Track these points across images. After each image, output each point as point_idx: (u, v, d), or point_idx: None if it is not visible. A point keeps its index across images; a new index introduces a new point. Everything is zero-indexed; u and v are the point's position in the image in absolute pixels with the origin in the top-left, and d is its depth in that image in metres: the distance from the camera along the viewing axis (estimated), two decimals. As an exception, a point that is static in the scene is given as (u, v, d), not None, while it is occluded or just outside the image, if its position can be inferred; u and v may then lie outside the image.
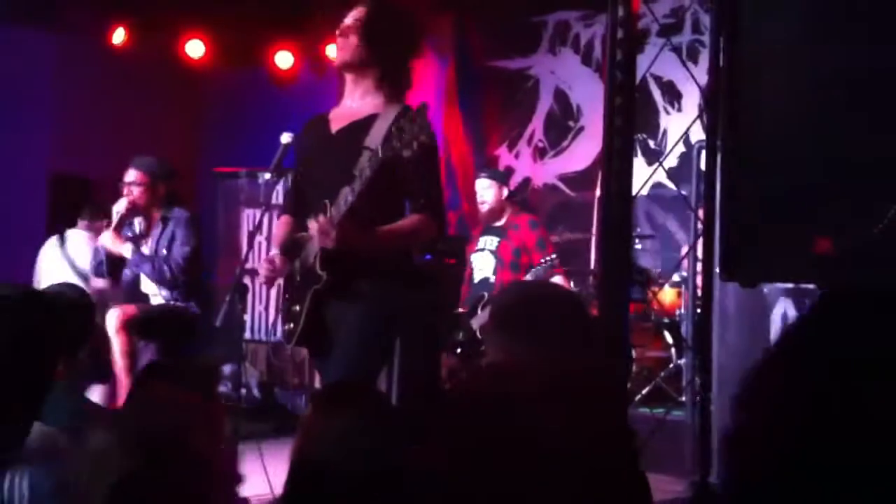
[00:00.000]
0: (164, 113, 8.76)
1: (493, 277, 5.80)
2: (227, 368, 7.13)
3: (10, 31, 7.57)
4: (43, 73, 8.00)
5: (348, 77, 3.43)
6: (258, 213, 7.11)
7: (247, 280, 5.50)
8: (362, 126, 3.27)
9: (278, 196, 7.25)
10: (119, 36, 8.06)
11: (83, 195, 8.10)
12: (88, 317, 3.43)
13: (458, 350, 6.55)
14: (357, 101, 3.40)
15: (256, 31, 8.19)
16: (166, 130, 8.77)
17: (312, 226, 3.21)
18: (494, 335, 2.25)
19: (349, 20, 3.39)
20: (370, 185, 3.09)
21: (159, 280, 5.21)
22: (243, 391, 5.96)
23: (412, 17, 3.58)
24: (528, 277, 5.50)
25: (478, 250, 5.91)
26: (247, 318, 5.96)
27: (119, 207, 5.25)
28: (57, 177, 8.19)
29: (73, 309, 3.20)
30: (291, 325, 3.36)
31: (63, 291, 3.41)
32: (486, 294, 5.68)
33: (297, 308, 3.33)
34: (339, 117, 3.43)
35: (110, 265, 5.29)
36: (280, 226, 3.58)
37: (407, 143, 3.00)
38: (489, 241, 5.87)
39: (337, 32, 3.40)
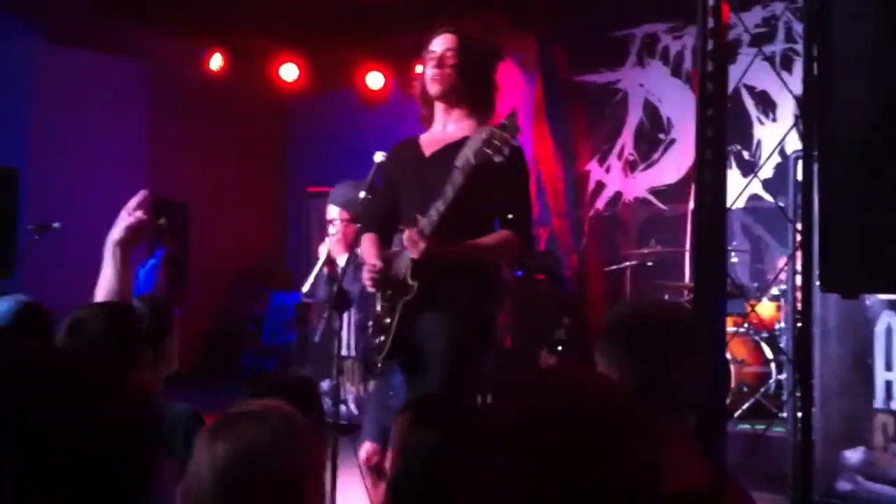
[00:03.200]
0: (258, 135, 8.97)
1: None
2: (325, 385, 7.23)
3: (108, 61, 7.86)
4: (140, 99, 8.28)
5: (440, 105, 3.52)
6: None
7: (341, 297, 5.55)
8: (453, 148, 3.34)
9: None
10: (216, 62, 8.31)
11: (181, 218, 8.34)
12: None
13: (559, 349, 6.55)
14: (449, 126, 3.50)
15: (348, 53, 8.35)
16: (259, 152, 8.98)
17: (403, 237, 3.28)
18: (599, 347, 2.25)
19: (441, 50, 3.48)
20: (459, 196, 3.16)
21: None
22: (342, 408, 6.04)
23: (495, 42, 3.70)
24: None
25: None
26: (343, 334, 6.02)
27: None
28: (155, 200, 8.42)
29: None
30: (382, 338, 3.42)
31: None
32: None
33: (388, 321, 3.39)
34: (431, 142, 3.53)
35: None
36: (368, 241, 3.63)
37: (497, 148, 3.07)
38: None
39: (430, 64, 3.48)
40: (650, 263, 6.84)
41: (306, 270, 7.92)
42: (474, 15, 7.80)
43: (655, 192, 7.59)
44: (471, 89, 3.45)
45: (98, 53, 7.77)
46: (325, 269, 5.25)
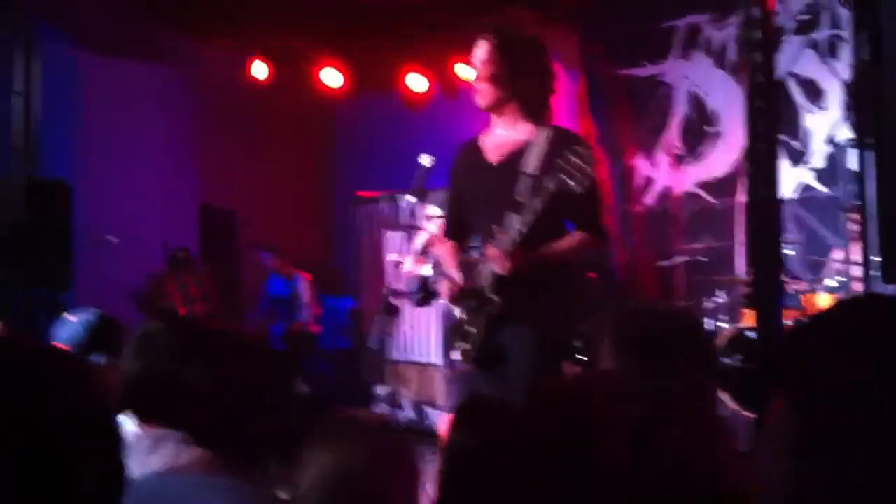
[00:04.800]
0: (303, 141, 9.03)
1: None
2: (381, 390, 7.27)
3: (154, 71, 7.96)
4: (187, 109, 8.38)
5: (493, 114, 3.53)
6: (400, 234, 7.23)
7: (394, 301, 5.58)
8: (518, 153, 3.37)
9: (420, 217, 7.36)
10: (259, 69, 8.38)
11: (231, 225, 8.43)
12: None
13: (579, 357, 6.50)
14: (507, 129, 3.49)
15: (389, 56, 8.37)
16: (304, 158, 9.04)
17: (488, 252, 3.33)
18: (615, 359, 2.23)
19: (477, 62, 3.48)
20: (539, 214, 3.21)
21: None
22: (399, 411, 6.07)
23: (535, 39, 3.63)
24: None
25: None
26: (399, 339, 6.07)
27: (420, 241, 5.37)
28: (206, 208, 8.54)
29: None
30: (466, 346, 3.45)
31: None
32: None
33: (472, 329, 3.42)
34: (493, 146, 3.52)
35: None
36: (447, 250, 3.66)
37: (580, 181, 3.10)
38: None
39: (473, 76, 3.50)
40: (702, 258, 6.77)
41: (356, 274, 7.99)
42: (510, 13, 7.79)
43: (704, 185, 7.51)
44: (516, 96, 3.43)
45: (144, 64, 7.87)
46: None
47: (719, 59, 7.49)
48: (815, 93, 6.96)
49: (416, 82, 8.54)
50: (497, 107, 3.46)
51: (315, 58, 8.46)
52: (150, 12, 7.45)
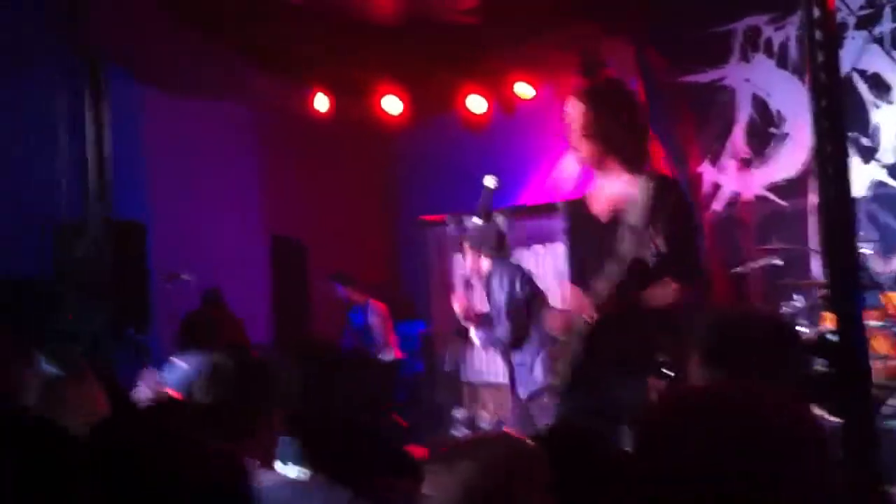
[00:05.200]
0: (366, 169, 9.13)
1: None
2: (458, 413, 7.28)
3: (215, 106, 8.12)
4: (250, 143, 8.53)
5: (594, 169, 3.69)
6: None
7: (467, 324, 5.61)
8: (622, 209, 3.46)
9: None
10: (321, 102, 8.51)
11: (301, 255, 8.53)
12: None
13: (665, 372, 6.42)
14: (609, 182, 3.62)
15: (447, 79, 8.43)
16: (369, 185, 9.13)
17: (577, 298, 3.55)
18: (701, 366, 2.21)
19: (569, 121, 3.63)
20: (635, 265, 3.34)
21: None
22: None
23: (624, 91, 3.78)
24: None
25: None
26: (474, 360, 6.09)
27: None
28: (275, 240, 8.66)
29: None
30: (555, 381, 3.67)
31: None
32: None
33: (561, 366, 3.63)
34: (598, 202, 3.67)
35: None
36: (565, 289, 3.85)
37: (668, 232, 3.24)
38: None
39: (569, 138, 3.67)
40: (776, 262, 6.66)
41: (426, 298, 8.03)
42: (567, 28, 7.79)
43: (773, 188, 7.40)
44: (612, 146, 3.54)
45: (208, 101, 8.04)
46: None
47: (781, 59, 7.39)
48: (881, 87, 6.82)
49: (476, 103, 8.59)
50: (596, 162, 3.58)
51: (375, 86, 8.56)
52: (214, 49, 7.61)
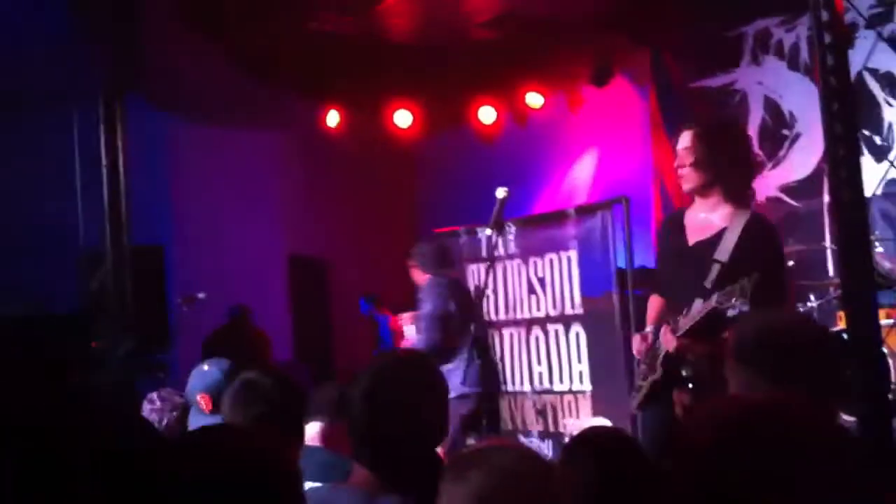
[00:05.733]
0: (380, 183, 9.15)
1: None
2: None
3: (237, 130, 8.18)
4: (268, 163, 8.58)
5: (696, 196, 3.85)
6: (482, 267, 7.26)
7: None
8: (714, 241, 3.66)
9: (500, 249, 7.39)
10: (332, 118, 8.55)
11: (319, 273, 8.56)
12: None
13: (690, 385, 6.39)
14: (708, 212, 3.78)
15: (458, 91, 8.46)
16: (384, 199, 9.16)
17: (662, 334, 3.72)
18: (736, 369, 2.20)
19: (680, 149, 3.81)
20: (719, 305, 3.47)
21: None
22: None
23: (735, 126, 4.11)
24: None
25: None
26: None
27: None
28: (294, 259, 8.70)
29: None
30: (636, 393, 3.93)
31: None
32: None
33: (641, 384, 3.88)
34: (693, 228, 3.83)
35: None
36: (652, 304, 4.02)
37: (757, 269, 3.38)
38: None
39: (677, 161, 3.84)
40: (791, 263, 6.64)
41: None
42: (588, 39, 7.80)
43: (786, 189, 7.38)
44: (719, 181, 3.72)
45: (224, 125, 8.10)
46: None
47: (792, 60, 7.38)
48: (894, 86, 6.80)
49: (487, 114, 8.62)
50: (700, 190, 3.75)
51: (386, 101, 8.60)
52: (234, 74, 7.68)
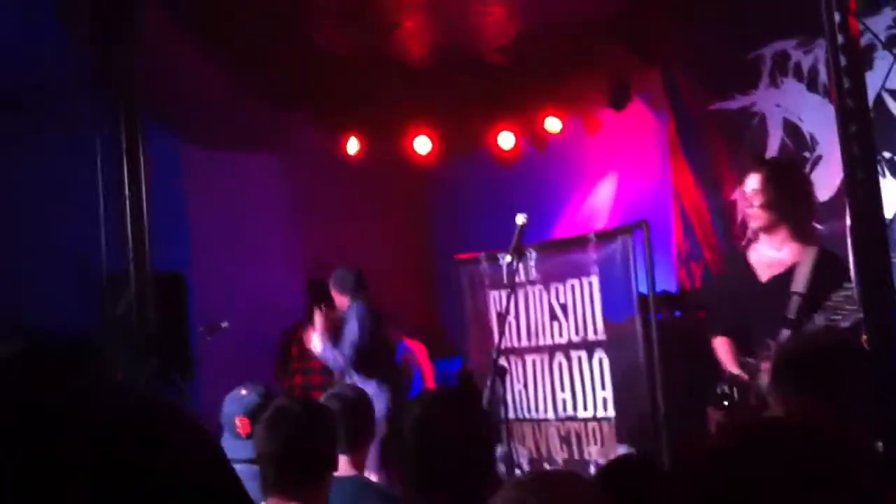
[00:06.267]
0: (399, 209, 9.19)
1: None
2: (498, 450, 7.24)
3: (250, 157, 8.24)
4: (286, 189, 8.64)
5: (763, 234, 4.14)
6: (503, 294, 7.25)
7: (503, 361, 5.63)
8: (787, 273, 3.92)
9: (521, 275, 7.38)
10: (352, 146, 8.59)
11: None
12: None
13: (725, 403, 6.34)
14: (776, 249, 4.06)
15: (476, 117, 8.49)
16: (403, 226, 9.18)
17: (763, 366, 3.86)
18: (779, 387, 2.19)
19: (749, 190, 4.09)
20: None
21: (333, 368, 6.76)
22: (517, 471, 6.07)
23: (801, 169, 4.65)
24: None
25: None
26: (508, 398, 6.10)
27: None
28: (312, 283, 8.72)
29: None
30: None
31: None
32: None
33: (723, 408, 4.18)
34: (762, 265, 4.10)
35: None
36: (723, 346, 4.29)
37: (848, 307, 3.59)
38: None
39: (745, 202, 4.19)
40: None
41: (462, 335, 8.04)
42: (597, 59, 7.83)
43: (809, 211, 7.34)
44: (786, 216, 4.01)
45: (240, 150, 8.16)
46: None
47: (811, 82, 7.36)
48: (913, 106, 6.77)
49: (506, 140, 8.64)
50: (768, 229, 4.05)
51: (407, 128, 8.64)
52: (248, 98, 7.74)
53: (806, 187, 4.23)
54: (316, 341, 6.74)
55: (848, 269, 3.83)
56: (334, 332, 6.75)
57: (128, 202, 5.62)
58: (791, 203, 3.99)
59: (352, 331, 6.68)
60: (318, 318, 6.80)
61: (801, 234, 4.00)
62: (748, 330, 4.00)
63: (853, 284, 3.52)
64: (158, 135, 6.79)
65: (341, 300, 6.88)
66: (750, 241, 4.54)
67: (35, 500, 1.17)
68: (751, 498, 1.17)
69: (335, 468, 2.93)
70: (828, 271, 3.78)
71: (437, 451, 2.29)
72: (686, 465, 1.28)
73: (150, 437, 1.27)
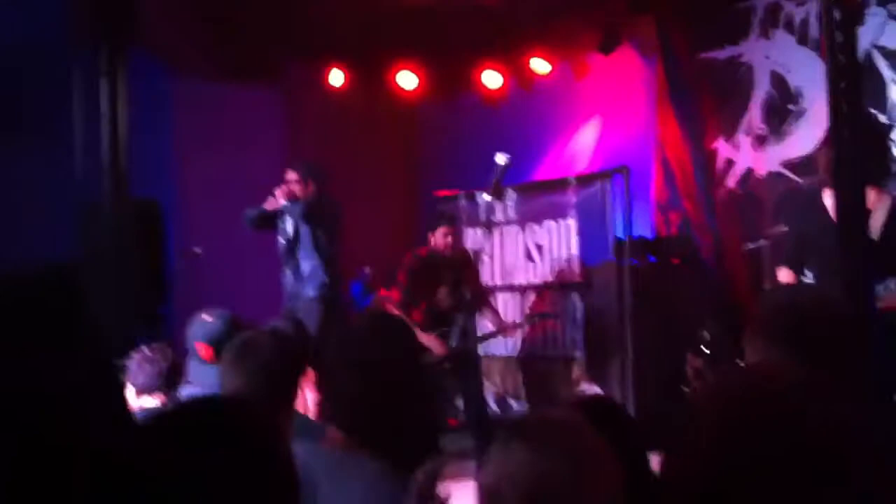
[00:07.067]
0: (382, 144, 9.11)
1: None
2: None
3: (236, 89, 8.13)
4: (269, 122, 8.54)
5: None
6: (479, 232, 7.26)
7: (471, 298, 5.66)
8: None
9: (498, 215, 7.37)
10: (336, 78, 8.49)
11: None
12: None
13: (705, 351, 6.44)
14: None
15: (463, 55, 8.40)
16: (386, 161, 9.12)
17: None
18: (755, 340, 2.18)
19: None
20: None
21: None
22: (489, 407, 6.13)
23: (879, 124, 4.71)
24: None
25: None
26: (479, 334, 6.13)
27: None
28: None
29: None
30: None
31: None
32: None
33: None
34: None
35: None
36: (785, 279, 4.41)
37: None
38: None
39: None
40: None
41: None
42: (591, 6, 7.74)
43: (789, 164, 7.36)
44: None
45: (226, 83, 8.05)
46: None
47: (801, 35, 7.32)
48: (901, 64, 6.76)
49: (492, 79, 8.56)
50: None
51: (390, 62, 8.54)
52: (233, 30, 7.62)
53: (881, 142, 4.52)
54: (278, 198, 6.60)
55: None
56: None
57: (106, 127, 5.54)
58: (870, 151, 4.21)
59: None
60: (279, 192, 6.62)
61: (877, 183, 4.06)
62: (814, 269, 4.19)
63: None
64: (143, 62, 6.68)
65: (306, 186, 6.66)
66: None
67: None
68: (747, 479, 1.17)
69: (294, 401, 2.92)
70: None
71: (363, 382, 2.23)
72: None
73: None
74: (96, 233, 5.35)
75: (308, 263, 6.54)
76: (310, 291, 6.49)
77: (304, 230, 6.54)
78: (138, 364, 3.49)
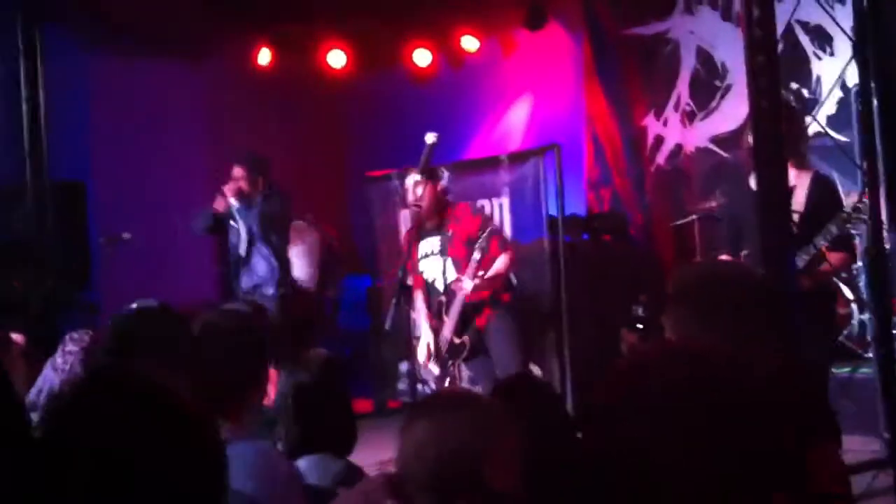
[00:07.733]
0: (312, 124, 9.02)
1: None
2: (403, 367, 7.30)
3: (159, 66, 7.97)
4: (196, 101, 8.39)
5: None
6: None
7: (410, 280, 5.62)
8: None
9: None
10: (264, 57, 8.37)
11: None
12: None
13: (639, 326, 6.51)
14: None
15: (393, 33, 8.34)
16: (315, 141, 9.03)
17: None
18: (671, 311, 2.21)
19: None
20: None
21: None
22: (420, 387, 6.12)
23: (791, 107, 5.10)
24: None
25: (422, 258, 5.60)
26: (414, 315, 6.11)
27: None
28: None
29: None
30: None
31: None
32: (443, 300, 5.54)
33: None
34: None
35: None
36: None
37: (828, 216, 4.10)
38: (432, 244, 5.58)
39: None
40: (717, 214, 6.73)
41: (372, 253, 8.04)
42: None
43: (717, 140, 7.45)
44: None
45: (148, 60, 7.88)
46: None
47: (726, 11, 7.41)
48: (823, 39, 6.87)
49: (422, 57, 8.51)
50: None
51: (319, 40, 8.44)
52: (157, 6, 7.46)
53: (798, 121, 4.61)
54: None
55: (837, 192, 4.41)
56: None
57: (25, 107, 5.41)
58: (786, 135, 4.28)
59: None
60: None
61: (796, 162, 4.19)
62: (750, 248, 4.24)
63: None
64: (63, 41, 6.51)
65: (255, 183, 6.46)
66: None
67: None
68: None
69: (262, 386, 2.83)
70: (823, 194, 4.20)
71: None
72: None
73: None
74: (18, 216, 5.24)
75: (264, 264, 6.40)
76: (269, 290, 6.38)
77: (259, 232, 6.37)
78: (62, 353, 3.41)
